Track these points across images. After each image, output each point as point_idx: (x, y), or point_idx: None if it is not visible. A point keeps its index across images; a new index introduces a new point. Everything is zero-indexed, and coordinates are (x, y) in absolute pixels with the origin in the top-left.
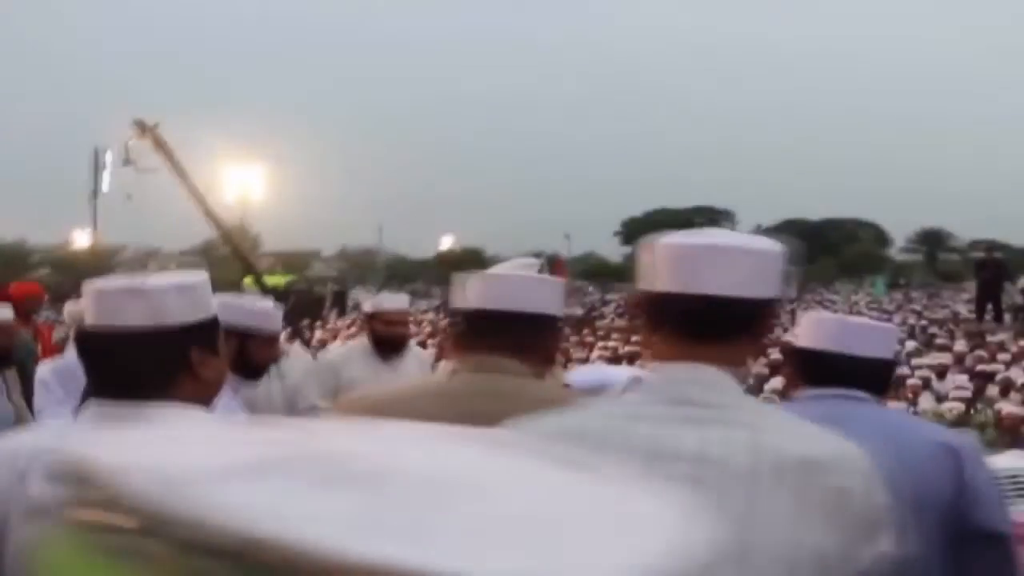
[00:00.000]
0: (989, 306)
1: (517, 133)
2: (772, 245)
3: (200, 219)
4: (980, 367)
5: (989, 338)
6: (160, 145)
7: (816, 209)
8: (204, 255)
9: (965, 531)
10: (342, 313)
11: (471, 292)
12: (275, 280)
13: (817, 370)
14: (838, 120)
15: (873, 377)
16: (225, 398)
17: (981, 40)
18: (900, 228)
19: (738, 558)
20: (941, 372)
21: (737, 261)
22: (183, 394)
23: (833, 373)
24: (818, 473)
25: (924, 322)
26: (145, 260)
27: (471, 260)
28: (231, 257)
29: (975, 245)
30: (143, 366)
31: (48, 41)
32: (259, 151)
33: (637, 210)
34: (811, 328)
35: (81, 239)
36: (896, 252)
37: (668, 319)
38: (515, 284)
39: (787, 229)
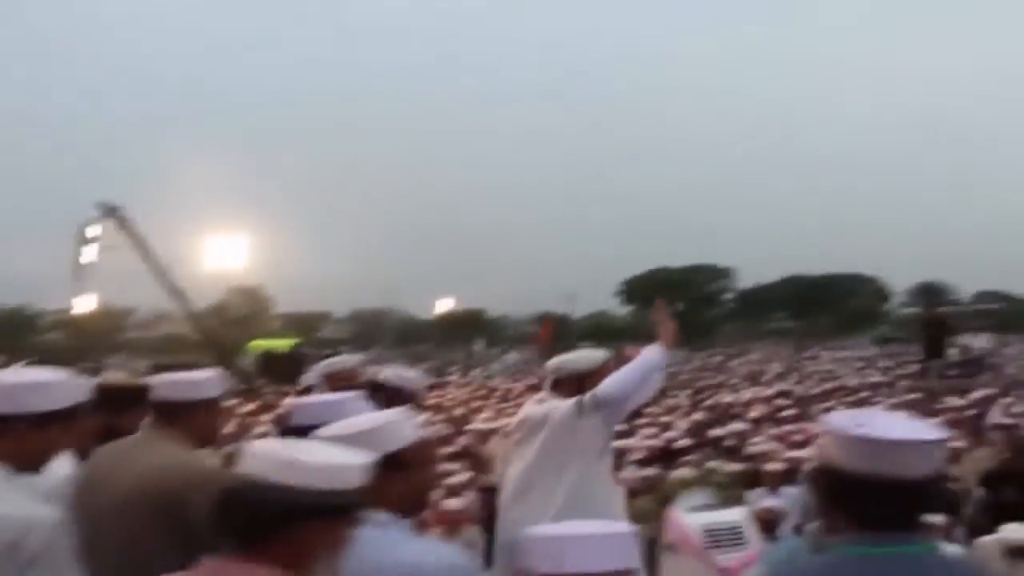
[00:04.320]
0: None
1: (525, 191)
2: (40, 377)
3: (211, 281)
4: None
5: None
6: (124, 226)
7: (818, 265)
8: (215, 316)
9: None
10: None
11: None
12: (280, 343)
13: None
14: (839, 174)
15: None
16: None
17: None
18: (902, 282)
19: None
20: None
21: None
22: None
23: None
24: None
25: (878, 378)
26: (156, 322)
27: (471, 321)
28: (244, 318)
29: (981, 297)
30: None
31: (41, 109)
32: (273, 215)
33: (640, 269)
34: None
35: (84, 304)
36: (896, 306)
37: None
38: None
39: (788, 285)
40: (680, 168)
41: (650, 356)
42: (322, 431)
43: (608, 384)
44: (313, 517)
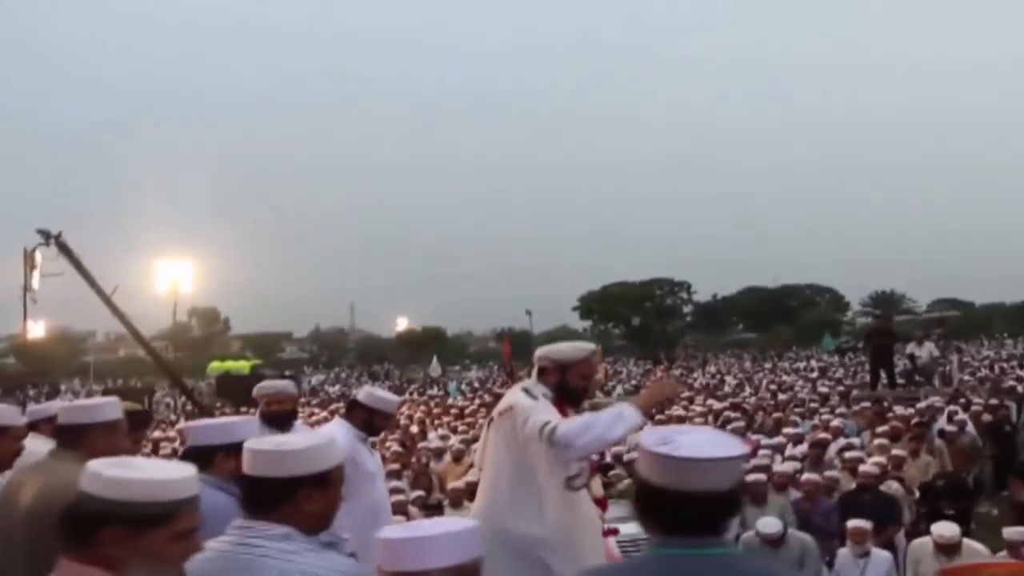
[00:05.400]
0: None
1: (488, 211)
2: None
3: (165, 305)
4: (821, 435)
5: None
6: (64, 252)
7: (775, 276)
8: (172, 339)
9: None
10: None
11: None
12: (240, 364)
13: None
14: (795, 184)
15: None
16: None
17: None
18: (857, 292)
19: None
20: (797, 441)
21: None
22: None
23: None
24: None
25: (826, 389)
26: (115, 345)
27: (432, 339)
28: (202, 340)
29: (936, 305)
30: None
31: None
32: (231, 237)
33: (597, 284)
34: None
35: (36, 329)
36: (853, 315)
37: None
38: None
39: (746, 297)
40: (635, 180)
41: (621, 412)
42: (249, 444)
43: (568, 428)
44: (111, 524)
